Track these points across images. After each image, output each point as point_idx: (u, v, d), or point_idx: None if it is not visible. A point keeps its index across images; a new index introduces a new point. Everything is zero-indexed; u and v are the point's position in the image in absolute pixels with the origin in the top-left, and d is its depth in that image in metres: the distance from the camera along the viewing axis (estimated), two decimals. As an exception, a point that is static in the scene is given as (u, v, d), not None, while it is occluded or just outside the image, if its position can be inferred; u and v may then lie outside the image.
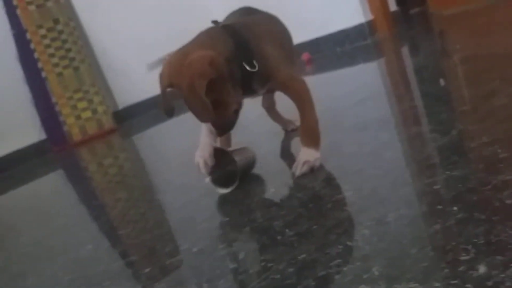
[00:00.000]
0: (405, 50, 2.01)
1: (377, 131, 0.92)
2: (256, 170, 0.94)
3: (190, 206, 0.86)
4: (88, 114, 2.99)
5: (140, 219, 0.90)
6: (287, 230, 0.61)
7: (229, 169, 0.85)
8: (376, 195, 0.63)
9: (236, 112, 0.82)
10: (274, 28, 0.92)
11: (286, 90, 0.85)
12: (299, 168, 0.79)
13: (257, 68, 0.79)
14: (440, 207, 0.53)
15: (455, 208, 0.51)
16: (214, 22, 0.87)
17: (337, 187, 0.70)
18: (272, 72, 0.82)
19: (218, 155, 0.84)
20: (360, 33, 2.90)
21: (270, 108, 1.13)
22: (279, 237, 0.60)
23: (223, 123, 0.81)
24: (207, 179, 0.85)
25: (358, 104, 1.22)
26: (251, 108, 1.14)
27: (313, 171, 0.79)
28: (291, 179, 0.80)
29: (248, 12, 0.97)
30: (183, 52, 0.77)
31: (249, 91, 0.84)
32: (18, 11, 2.82)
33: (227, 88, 0.77)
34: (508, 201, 0.49)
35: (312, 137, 0.82)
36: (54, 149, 2.99)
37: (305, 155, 0.80)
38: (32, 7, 2.84)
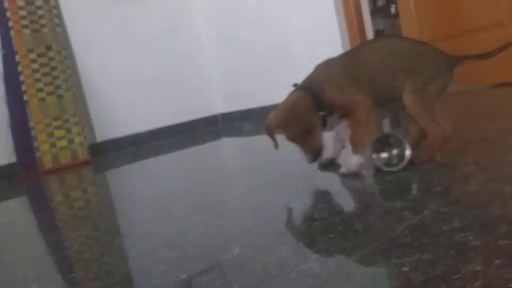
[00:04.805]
0: (380, 125, 2.06)
1: (350, 201, 0.91)
2: (225, 226, 0.91)
3: (148, 256, 0.81)
4: (63, 143, 2.92)
5: (94, 263, 0.84)
6: (245, 298, 0.57)
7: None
8: (343, 269, 0.60)
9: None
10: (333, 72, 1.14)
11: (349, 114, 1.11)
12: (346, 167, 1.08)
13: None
14: (407, 292, 0.51)
15: (422, 296, 0.49)
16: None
17: (304, 255, 0.67)
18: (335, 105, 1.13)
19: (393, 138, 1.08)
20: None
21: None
22: (235, 305, 0.56)
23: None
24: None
25: (332, 171, 1.22)
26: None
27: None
28: (259, 238, 0.77)
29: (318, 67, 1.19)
30: None
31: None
32: (12, 33, 2.83)
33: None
34: (476, 295, 0.47)
35: (355, 146, 1.06)
36: (22, 174, 2.88)
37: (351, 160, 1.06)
38: (26, 31, 2.85)
